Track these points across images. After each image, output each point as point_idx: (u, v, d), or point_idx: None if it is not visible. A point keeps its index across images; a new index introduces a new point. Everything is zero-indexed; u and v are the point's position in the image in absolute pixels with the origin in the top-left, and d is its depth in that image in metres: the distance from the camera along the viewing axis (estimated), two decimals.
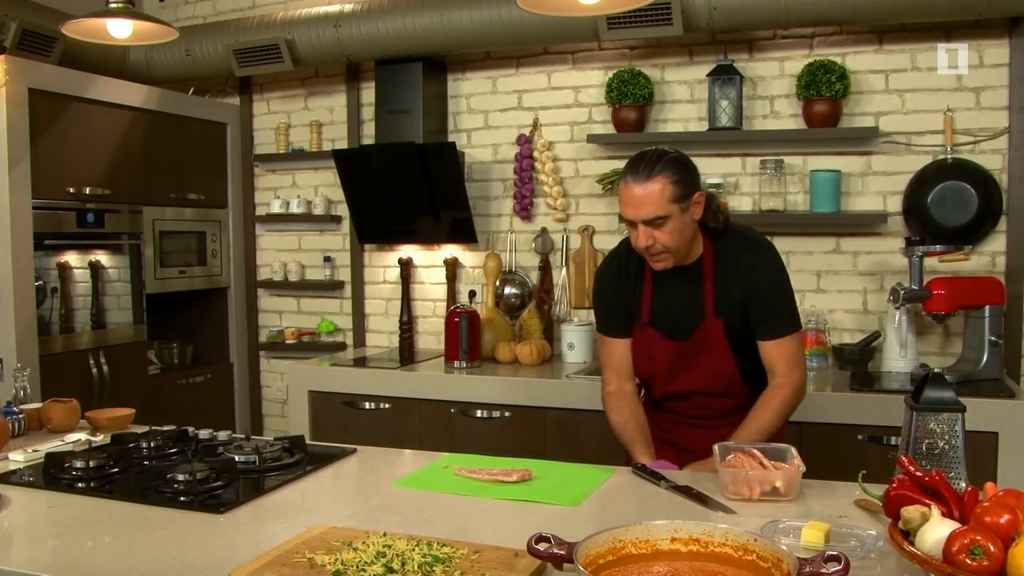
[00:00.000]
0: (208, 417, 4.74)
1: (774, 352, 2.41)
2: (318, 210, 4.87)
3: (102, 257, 4.26)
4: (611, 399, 2.58)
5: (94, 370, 4.13)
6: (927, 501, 1.42)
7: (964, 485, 1.77)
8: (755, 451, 2.03)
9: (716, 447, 2.09)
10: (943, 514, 1.38)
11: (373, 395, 4.04)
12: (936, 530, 1.32)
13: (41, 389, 3.81)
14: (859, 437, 3.26)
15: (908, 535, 1.40)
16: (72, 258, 4.13)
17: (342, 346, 4.89)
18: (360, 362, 4.35)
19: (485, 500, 1.99)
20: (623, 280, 2.54)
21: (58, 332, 4.07)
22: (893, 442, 3.18)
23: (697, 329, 2.45)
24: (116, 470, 2.18)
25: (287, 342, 4.97)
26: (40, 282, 3.96)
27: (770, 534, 1.63)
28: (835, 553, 1.32)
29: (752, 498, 1.93)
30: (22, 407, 2.64)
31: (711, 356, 2.47)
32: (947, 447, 1.82)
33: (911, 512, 1.39)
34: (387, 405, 4.01)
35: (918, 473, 1.48)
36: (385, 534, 1.63)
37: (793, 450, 2.05)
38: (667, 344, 2.49)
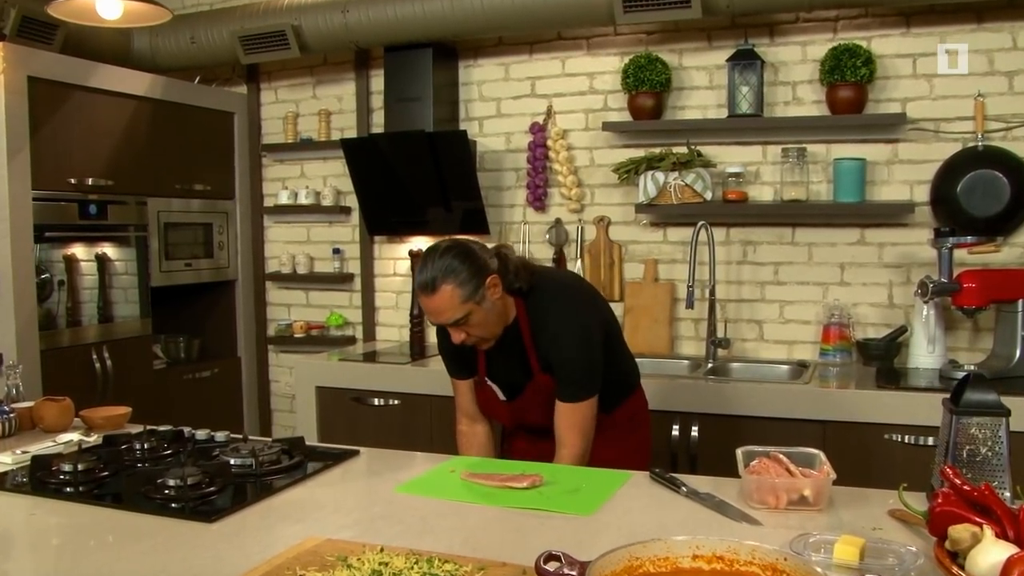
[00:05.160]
0: (215, 413, 4.68)
1: (563, 417, 2.42)
2: (327, 201, 4.76)
3: (108, 249, 4.16)
4: (461, 438, 2.70)
5: (97, 365, 4.03)
6: (978, 520, 1.29)
7: (1008, 495, 1.64)
8: (781, 456, 1.90)
9: (739, 452, 1.97)
10: (996, 535, 1.25)
11: (382, 391, 3.93)
12: (990, 553, 1.19)
13: (42, 384, 3.74)
14: (885, 436, 3.12)
15: (956, 557, 1.27)
16: (79, 250, 4.04)
17: (351, 340, 4.79)
18: (370, 356, 4.25)
19: (492, 508, 1.87)
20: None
21: (64, 326, 3.99)
22: (921, 442, 3.05)
23: (528, 386, 2.51)
24: (106, 473, 2.08)
25: (296, 336, 4.87)
26: (47, 275, 3.88)
27: (800, 549, 1.51)
28: (873, 574, 1.19)
29: (778, 507, 1.80)
30: (13, 406, 2.54)
31: (546, 407, 2.47)
32: (990, 454, 1.69)
33: (960, 532, 1.25)
34: (396, 401, 3.90)
35: (965, 487, 1.35)
36: (383, 549, 1.51)
37: (822, 455, 1.93)
38: (503, 403, 2.58)
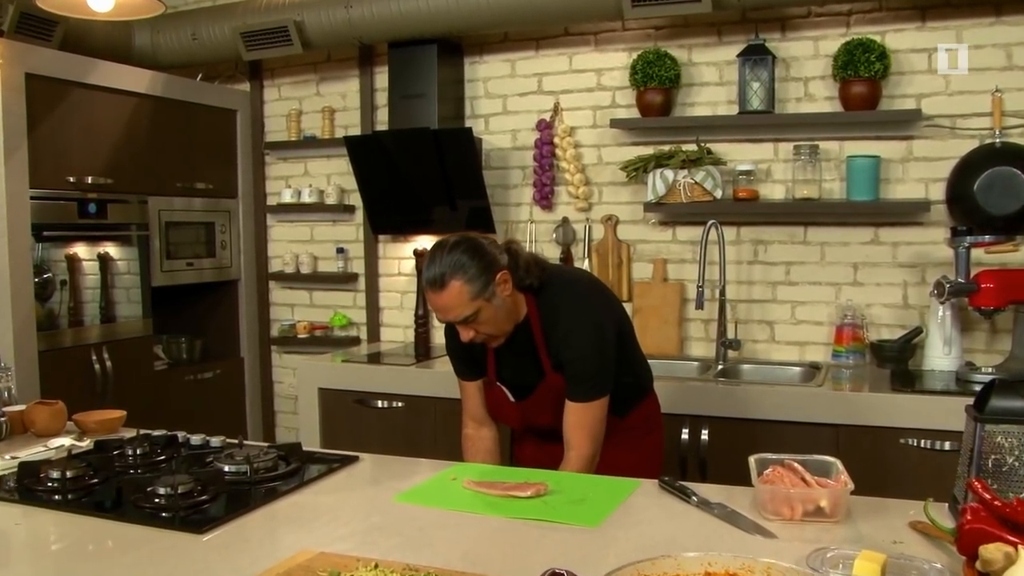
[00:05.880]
0: (217, 414, 4.62)
1: (572, 416, 2.34)
2: (331, 199, 4.70)
3: (110, 249, 4.10)
4: (467, 442, 2.61)
5: (97, 366, 3.97)
6: (1011, 539, 1.21)
7: None
8: (796, 465, 1.82)
9: (752, 460, 1.89)
10: None
11: (386, 393, 3.86)
12: None
13: (41, 386, 3.68)
14: (901, 441, 3.04)
15: None
16: (81, 250, 3.98)
17: (356, 341, 4.72)
18: (374, 358, 4.18)
19: (495, 519, 1.79)
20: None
21: (67, 326, 3.93)
22: (938, 447, 2.97)
23: (539, 386, 2.42)
24: (95, 481, 2.01)
25: (299, 336, 4.81)
26: (49, 274, 3.83)
27: (817, 565, 1.43)
28: None
29: (793, 519, 1.72)
30: (4, 409, 2.47)
31: (557, 408, 2.39)
32: (1017, 463, 1.61)
33: (992, 552, 1.17)
34: (400, 404, 3.83)
35: (996, 502, 1.27)
36: (377, 565, 1.44)
37: (838, 464, 1.84)
38: (514, 404, 2.48)
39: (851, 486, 1.73)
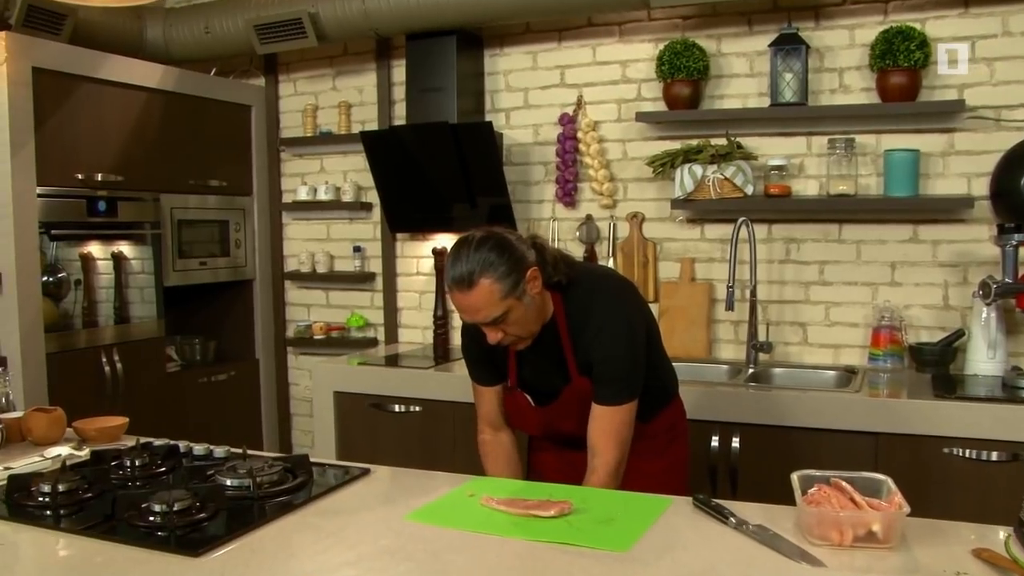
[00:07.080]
0: (231, 417, 4.53)
1: (599, 420, 2.20)
2: (347, 197, 4.58)
3: (123, 248, 4.00)
4: (485, 448, 2.49)
5: (107, 368, 3.86)
6: None
7: None
8: (844, 483, 1.67)
9: (794, 477, 1.74)
10: None
11: (403, 397, 3.74)
12: None
13: (48, 389, 3.58)
14: (944, 450, 2.87)
15: None
16: (95, 249, 3.89)
17: (373, 342, 4.60)
18: (392, 360, 4.05)
19: (515, 542, 1.65)
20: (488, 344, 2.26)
21: (81, 327, 3.83)
22: (984, 457, 2.81)
23: (564, 391, 2.29)
24: (90, 495, 1.89)
25: (315, 337, 4.69)
26: (64, 274, 3.74)
27: None
28: None
29: (842, 544, 1.57)
30: (1, 416, 2.36)
31: (581, 414, 2.26)
32: None
33: None
34: (417, 408, 3.70)
35: None
36: None
37: (890, 483, 1.69)
38: (535, 410, 2.35)
39: (907, 509, 1.57)
